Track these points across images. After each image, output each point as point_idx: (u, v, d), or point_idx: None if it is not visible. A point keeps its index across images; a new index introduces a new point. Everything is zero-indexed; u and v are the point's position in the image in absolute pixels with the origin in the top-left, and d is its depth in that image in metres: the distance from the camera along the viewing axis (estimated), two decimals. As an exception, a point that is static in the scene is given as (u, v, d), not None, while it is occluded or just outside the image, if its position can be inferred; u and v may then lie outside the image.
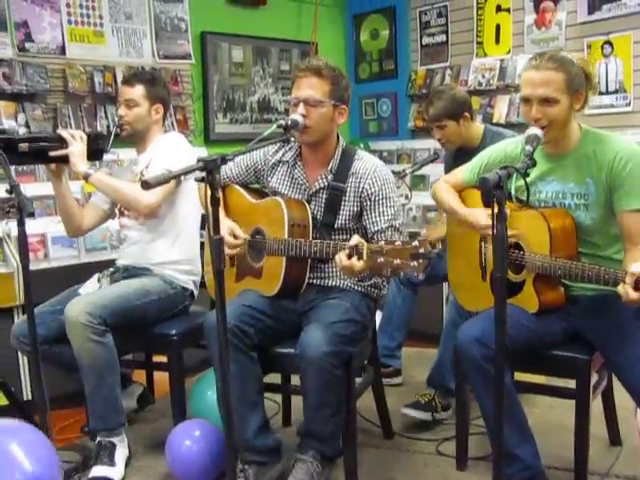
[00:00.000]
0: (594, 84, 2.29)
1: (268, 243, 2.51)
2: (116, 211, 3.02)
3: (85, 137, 2.76)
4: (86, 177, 2.74)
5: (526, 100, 2.20)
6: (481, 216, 2.42)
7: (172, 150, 2.83)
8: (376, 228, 2.44)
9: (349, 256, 2.14)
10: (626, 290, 1.93)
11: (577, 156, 2.26)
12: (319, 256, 2.38)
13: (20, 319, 2.92)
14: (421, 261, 1.98)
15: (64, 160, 2.72)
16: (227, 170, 2.70)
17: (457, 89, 3.28)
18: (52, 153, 2.69)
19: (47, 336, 2.64)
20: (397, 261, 2.00)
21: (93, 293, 2.74)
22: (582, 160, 2.25)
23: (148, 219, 2.87)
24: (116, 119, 3.00)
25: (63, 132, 2.76)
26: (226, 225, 2.53)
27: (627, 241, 2.22)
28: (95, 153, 2.82)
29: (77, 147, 2.71)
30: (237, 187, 2.72)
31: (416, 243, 1.99)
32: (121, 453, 2.66)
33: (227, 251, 2.47)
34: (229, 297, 2.58)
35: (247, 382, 2.42)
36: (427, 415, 3.00)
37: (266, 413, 2.52)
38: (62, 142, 2.71)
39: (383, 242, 2.05)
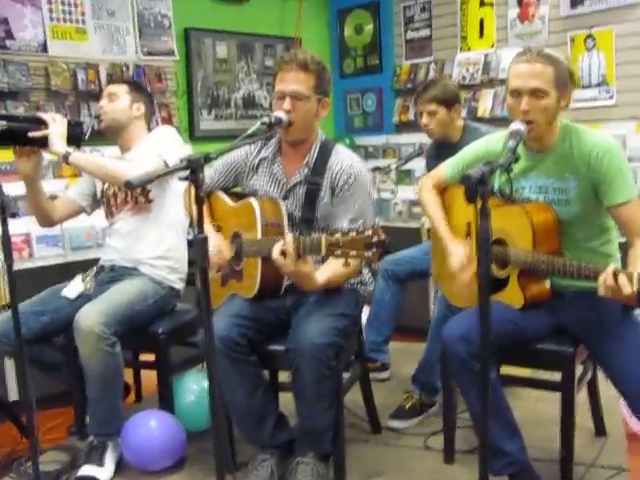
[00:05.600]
0: (577, 82, 2.30)
1: (245, 246, 2.50)
2: (104, 209, 2.98)
3: (65, 121, 2.72)
4: (66, 157, 2.68)
5: (516, 92, 2.17)
6: (456, 260, 2.43)
7: (164, 138, 2.82)
8: (337, 225, 2.40)
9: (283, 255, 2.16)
10: (604, 276, 1.92)
11: (557, 153, 2.26)
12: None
13: (1, 318, 2.76)
14: (375, 250, 1.96)
15: (42, 143, 2.66)
16: (207, 178, 2.65)
17: (451, 82, 3.33)
18: (31, 134, 2.64)
19: (28, 337, 2.53)
20: (353, 252, 1.98)
21: (100, 301, 2.65)
22: (562, 156, 2.25)
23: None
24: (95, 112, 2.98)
25: (42, 114, 2.73)
26: (214, 243, 2.49)
27: (627, 234, 2.21)
28: (73, 140, 2.76)
29: (57, 128, 2.67)
30: (219, 192, 2.71)
31: (369, 232, 1.97)
32: (112, 455, 2.65)
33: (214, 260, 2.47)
34: (216, 301, 2.58)
35: (254, 389, 2.43)
36: (412, 422, 3.01)
37: (279, 408, 2.54)
38: (41, 124, 2.67)
39: (339, 234, 2.03)
